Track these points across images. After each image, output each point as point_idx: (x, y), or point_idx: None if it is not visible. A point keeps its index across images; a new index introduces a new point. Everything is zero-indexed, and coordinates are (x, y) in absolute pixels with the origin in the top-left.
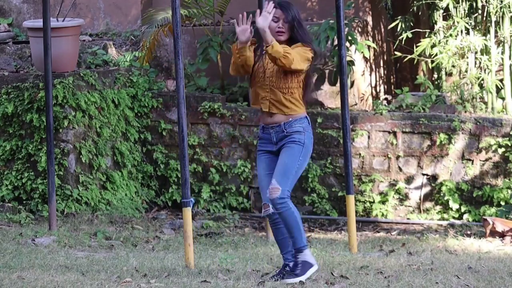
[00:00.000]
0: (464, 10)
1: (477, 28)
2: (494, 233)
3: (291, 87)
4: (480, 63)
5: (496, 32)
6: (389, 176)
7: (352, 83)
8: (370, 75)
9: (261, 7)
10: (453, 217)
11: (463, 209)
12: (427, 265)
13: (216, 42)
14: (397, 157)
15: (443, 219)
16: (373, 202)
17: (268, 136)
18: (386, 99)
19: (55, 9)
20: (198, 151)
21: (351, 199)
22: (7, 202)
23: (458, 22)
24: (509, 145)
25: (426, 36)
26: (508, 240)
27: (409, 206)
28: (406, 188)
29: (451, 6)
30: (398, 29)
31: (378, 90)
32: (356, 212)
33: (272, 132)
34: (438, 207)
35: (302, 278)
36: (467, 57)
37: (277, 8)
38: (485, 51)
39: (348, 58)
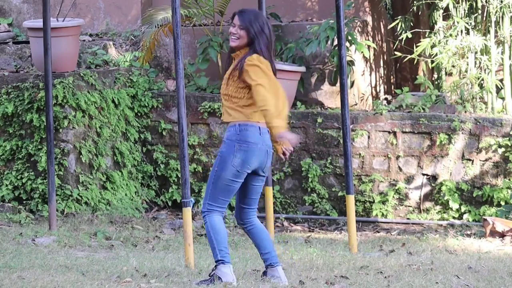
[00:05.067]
0: (464, 10)
1: (477, 28)
2: (494, 233)
3: (234, 96)
4: (480, 63)
5: (496, 32)
6: (389, 176)
7: (352, 83)
8: (370, 75)
9: (261, 7)
10: (453, 217)
11: (463, 209)
12: (427, 265)
13: (216, 42)
14: (397, 157)
15: (443, 219)
16: (373, 202)
17: None
18: (386, 99)
19: (55, 9)
20: (198, 151)
21: (351, 199)
22: (7, 202)
23: (458, 22)
24: (509, 145)
25: (426, 36)
26: (508, 240)
27: (409, 206)
28: (406, 188)
29: (451, 6)
30: (398, 29)
31: (378, 90)
32: (356, 212)
33: None
34: (438, 207)
35: None
36: (467, 57)
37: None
38: (485, 51)
39: (348, 58)
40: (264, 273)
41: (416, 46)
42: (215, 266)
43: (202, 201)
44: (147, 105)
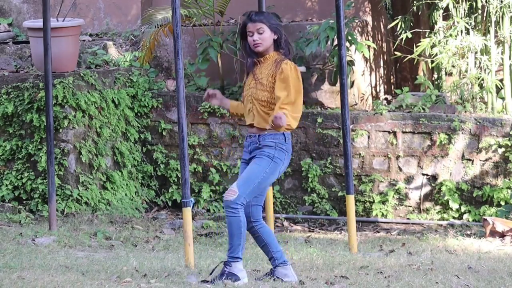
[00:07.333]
0: (464, 10)
1: (477, 28)
2: (494, 233)
3: (270, 102)
4: (480, 63)
5: (496, 32)
6: (389, 176)
7: (352, 83)
8: (370, 75)
9: (261, 7)
10: (453, 217)
11: (463, 209)
12: (427, 265)
13: (216, 42)
14: (397, 157)
15: (443, 219)
16: (373, 202)
17: (247, 144)
18: (386, 99)
19: (55, 9)
20: (198, 151)
21: (351, 199)
22: (7, 202)
23: (458, 22)
24: (509, 145)
25: (426, 36)
26: (508, 240)
27: (409, 206)
28: (406, 188)
29: (451, 6)
30: (398, 29)
31: (378, 90)
32: (356, 212)
33: (249, 141)
34: (438, 207)
35: None
36: (467, 57)
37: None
38: (485, 51)
39: (348, 58)
40: (271, 273)
41: (416, 46)
42: (227, 264)
43: (237, 190)
44: (147, 105)
